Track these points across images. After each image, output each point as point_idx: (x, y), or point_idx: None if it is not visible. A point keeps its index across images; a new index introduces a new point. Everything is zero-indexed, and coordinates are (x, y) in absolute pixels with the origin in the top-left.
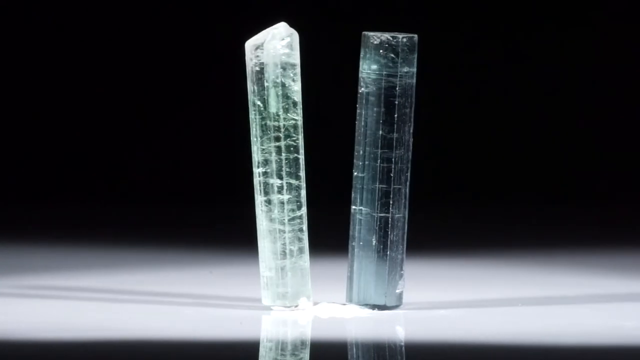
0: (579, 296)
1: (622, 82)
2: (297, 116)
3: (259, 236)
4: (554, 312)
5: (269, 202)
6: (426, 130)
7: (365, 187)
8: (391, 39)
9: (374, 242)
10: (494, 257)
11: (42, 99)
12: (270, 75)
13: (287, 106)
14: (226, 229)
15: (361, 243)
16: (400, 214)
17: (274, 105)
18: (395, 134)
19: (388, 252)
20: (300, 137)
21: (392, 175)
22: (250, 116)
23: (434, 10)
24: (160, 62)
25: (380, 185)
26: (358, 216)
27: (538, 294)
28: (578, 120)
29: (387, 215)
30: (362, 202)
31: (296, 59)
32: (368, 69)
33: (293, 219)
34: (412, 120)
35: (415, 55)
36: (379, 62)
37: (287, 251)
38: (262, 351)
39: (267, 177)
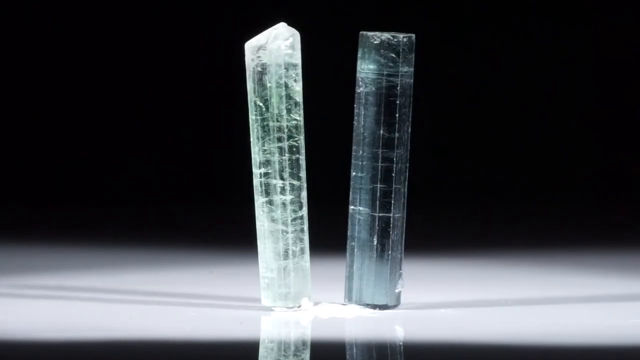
0: (579, 296)
1: (622, 82)
2: (299, 117)
3: (259, 237)
4: (554, 312)
5: (270, 202)
6: (424, 130)
7: (364, 187)
8: (392, 38)
9: (375, 242)
10: (493, 257)
11: (42, 99)
12: (274, 75)
13: (289, 107)
14: (226, 229)
15: (361, 243)
16: (399, 213)
17: (277, 106)
18: (396, 134)
19: (390, 252)
20: (302, 137)
21: (393, 175)
22: (251, 117)
23: (432, 10)
24: (160, 63)
25: (381, 185)
26: (357, 216)
27: (538, 294)
28: (578, 120)
29: (388, 215)
30: (361, 202)
31: (298, 59)
32: (367, 68)
33: (295, 219)
34: (410, 119)
35: (413, 55)
36: (378, 62)
37: (290, 252)
38: (265, 352)
39: (268, 177)
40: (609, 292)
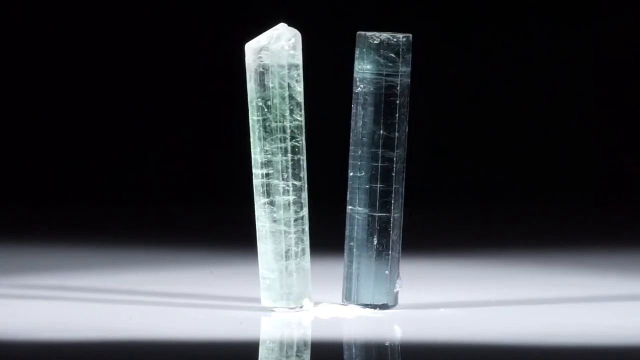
0: (579, 296)
1: (622, 81)
2: (300, 117)
3: (259, 237)
4: (554, 312)
5: (272, 203)
6: (424, 130)
7: (363, 187)
8: (391, 38)
9: (375, 242)
10: (493, 257)
11: (42, 99)
12: (276, 76)
13: (292, 107)
14: (226, 229)
15: (359, 243)
16: (398, 213)
17: (280, 106)
18: (396, 133)
19: (390, 252)
20: (303, 138)
21: (393, 174)
22: (252, 117)
23: (432, 11)
24: (159, 63)
25: (380, 185)
26: (356, 216)
27: (538, 294)
28: (578, 120)
29: (387, 215)
30: (360, 202)
31: (299, 59)
32: (365, 68)
33: (296, 220)
34: (407, 119)
35: (410, 55)
36: (377, 62)
37: (292, 252)
38: (266, 352)
39: (270, 178)
40: (609, 292)
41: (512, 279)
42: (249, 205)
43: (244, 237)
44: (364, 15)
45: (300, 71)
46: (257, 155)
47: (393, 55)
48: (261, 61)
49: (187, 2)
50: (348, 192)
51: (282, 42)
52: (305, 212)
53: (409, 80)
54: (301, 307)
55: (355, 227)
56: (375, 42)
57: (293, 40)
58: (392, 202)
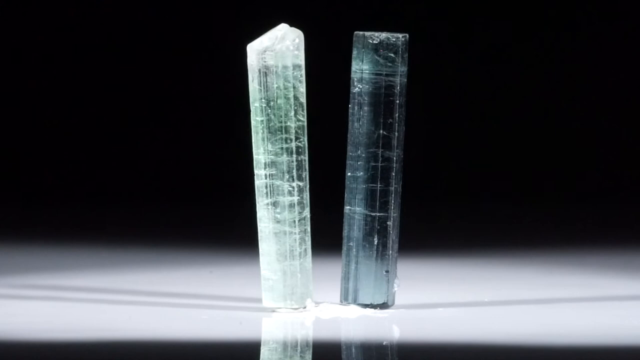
0: (579, 296)
1: (622, 81)
2: (303, 118)
3: (261, 238)
4: (554, 312)
5: (276, 203)
6: (422, 129)
7: (362, 187)
8: (390, 38)
9: (375, 242)
10: (492, 257)
11: (43, 99)
12: (281, 77)
13: (296, 108)
14: (226, 229)
15: (358, 243)
16: (396, 213)
17: (284, 107)
18: (396, 133)
19: (390, 252)
20: (305, 138)
21: (393, 174)
22: (255, 118)
23: (432, 11)
24: (159, 63)
25: (380, 185)
26: (355, 216)
27: (538, 294)
28: (578, 120)
29: (386, 214)
30: (358, 202)
31: (302, 60)
32: (364, 68)
33: (300, 220)
34: (404, 119)
35: (407, 54)
36: (376, 62)
37: (296, 252)
38: (269, 353)
39: (274, 178)
40: (609, 292)
41: (511, 279)
42: (249, 206)
43: (244, 237)
44: (362, 16)
45: (303, 72)
46: (259, 156)
47: (392, 55)
48: (265, 62)
49: (186, 2)
50: (346, 192)
51: (287, 42)
52: (307, 212)
53: (406, 80)
54: (304, 307)
55: (355, 227)
56: (374, 42)
57: (297, 40)
58: (391, 202)
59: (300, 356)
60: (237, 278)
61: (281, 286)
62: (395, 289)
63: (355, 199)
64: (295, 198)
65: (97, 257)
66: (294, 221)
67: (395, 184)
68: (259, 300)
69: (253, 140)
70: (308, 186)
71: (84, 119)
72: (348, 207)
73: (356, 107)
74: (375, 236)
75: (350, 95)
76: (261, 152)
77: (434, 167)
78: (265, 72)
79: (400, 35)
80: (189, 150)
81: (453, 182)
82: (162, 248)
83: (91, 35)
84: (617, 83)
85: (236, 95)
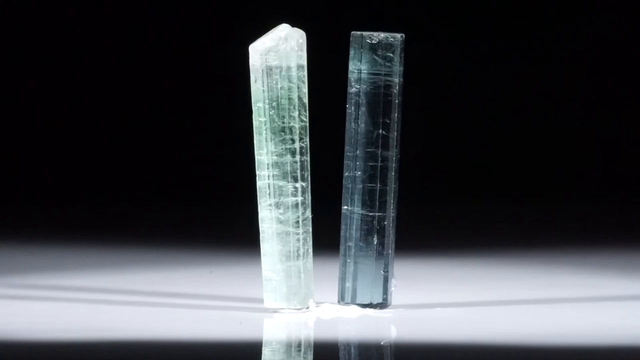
0: (579, 296)
1: (622, 81)
2: (306, 118)
3: (264, 239)
4: (554, 312)
5: (279, 204)
6: (421, 129)
7: (360, 186)
8: (388, 38)
9: (375, 241)
10: (492, 257)
11: (43, 99)
12: (285, 77)
13: (299, 108)
14: (226, 229)
15: (356, 243)
16: (394, 213)
17: (288, 107)
18: (394, 133)
19: (389, 252)
20: (307, 139)
21: (392, 174)
22: (258, 119)
23: (431, 11)
24: (159, 63)
25: (379, 185)
26: (352, 216)
27: (538, 294)
28: (578, 120)
29: (384, 214)
30: (357, 202)
31: (304, 60)
32: (361, 68)
33: (303, 220)
34: (401, 119)
35: (404, 54)
36: (374, 62)
37: (300, 253)
38: (270, 353)
39: (277, 179)
40: (609, 292)
41: (511, 279)
42: (249, 206)
43: (244, 237)
44: (362, 16)
45: (305, 72)
46: (262, 156)
47: (390, 54)
48: (268, 62)
49: (186, 3)
50: (343, 192)
51: (292, 43)
52: (309, 212)
53: (402, 79)
54: (307, 308)
55: (353, 227)
56: (373, 42)
57: (301, 41)
58: (389, 201)
59: (303, 357)
60: (237, 278)
61: (284, 287)
62: (392, 288)
63: (355, 199)
64: (299, 199)
65: (97, 257)
66: (297, 222)
67: (393, 184)
68: (260, 300)
69: (255, 141)
70: (310, 187)
71: (84, 119)
72: (346, 207)
73: (354, 107)
74: (374, 236)
75: (348, 95)
76: (264, 152)
77: (433, 167)
78: (269, 73)
79: (398, 35)
80: (189, 150)
81: (452, 182)
82: (162, 248)
83: (91, 35)
84: (617, 83)
85: (236, 96)
